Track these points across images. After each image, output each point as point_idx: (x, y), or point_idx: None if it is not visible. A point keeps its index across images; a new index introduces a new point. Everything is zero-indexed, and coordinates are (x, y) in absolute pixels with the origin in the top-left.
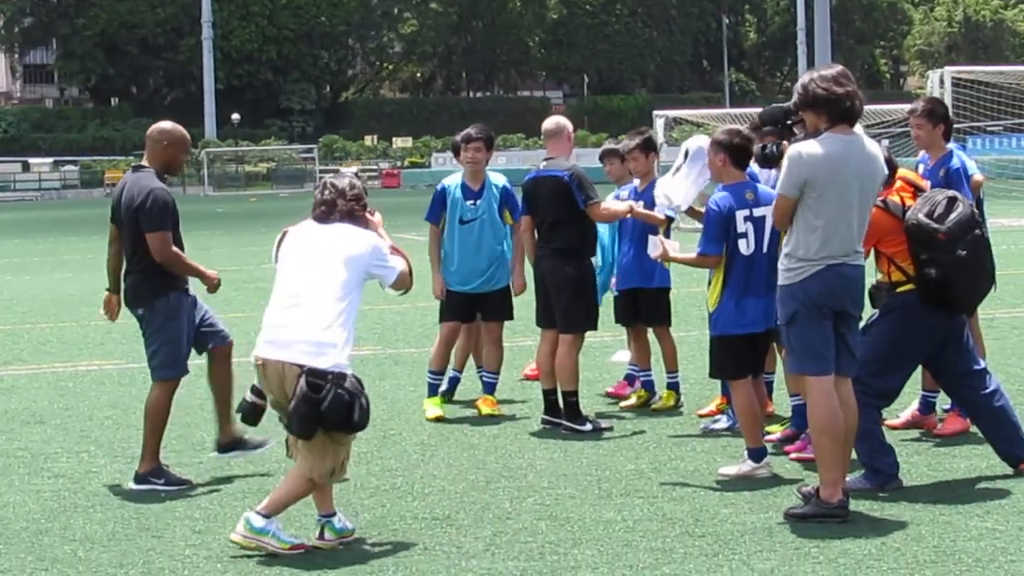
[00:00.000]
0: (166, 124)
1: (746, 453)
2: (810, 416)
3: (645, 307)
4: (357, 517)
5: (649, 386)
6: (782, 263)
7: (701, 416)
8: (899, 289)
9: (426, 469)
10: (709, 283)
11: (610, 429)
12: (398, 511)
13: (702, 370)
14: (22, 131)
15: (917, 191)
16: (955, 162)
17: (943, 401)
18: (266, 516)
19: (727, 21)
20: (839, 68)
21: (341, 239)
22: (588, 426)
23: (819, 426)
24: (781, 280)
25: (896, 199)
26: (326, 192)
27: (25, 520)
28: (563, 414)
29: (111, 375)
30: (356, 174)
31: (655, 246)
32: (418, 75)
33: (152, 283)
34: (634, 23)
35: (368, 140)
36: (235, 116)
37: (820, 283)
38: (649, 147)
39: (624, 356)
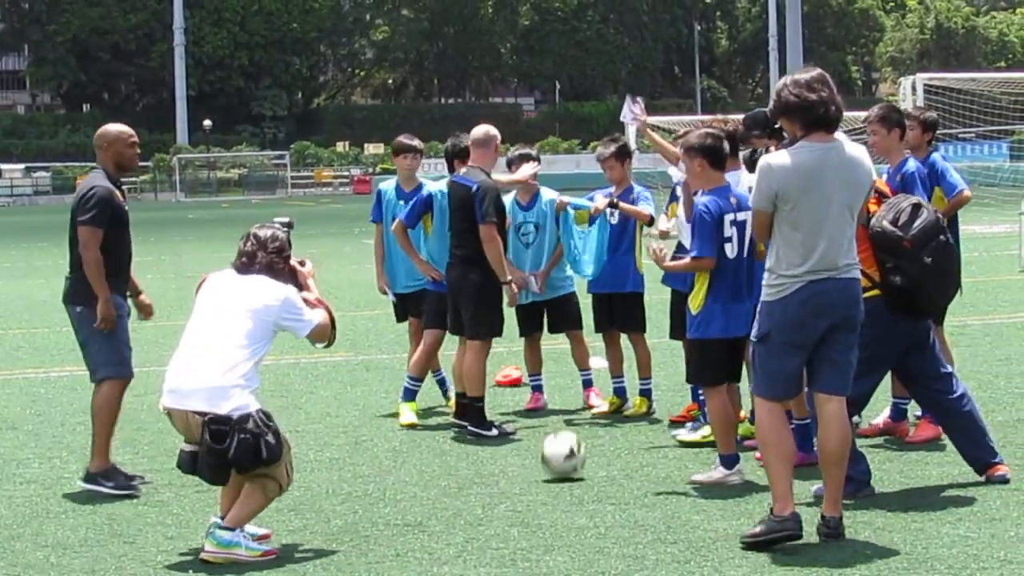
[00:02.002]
0: (105, 126)
1: (718, 460)
2: (756, 430)
3: (620, 313)
4: (329, 523)
5: (621, 392)
6: (764, 278)
7: (673, 421)
8: (865, 295)
9: (398, 475)
10: (688, 287)
11: (514, 433)
12: (370, 517)
13: (675, 376)
14: None
15: (882, 198)
16: (911, 166)
17: (915, 408)
18: (231, 528)
19: (699, 28)
20: (815, 72)
21: (253, 291)
22: (493, 431)
23: (763, 441)
24: (763, 295)
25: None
26: (248, 243)
27: None
28: (468, 419)
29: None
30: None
31: (652, 251)
32: (390, 81)
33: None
34: (606, 29)
35: (340, 146)
36: (207, 122)
37: (801, 301)
38: (624, 154)
39: (600, 363)
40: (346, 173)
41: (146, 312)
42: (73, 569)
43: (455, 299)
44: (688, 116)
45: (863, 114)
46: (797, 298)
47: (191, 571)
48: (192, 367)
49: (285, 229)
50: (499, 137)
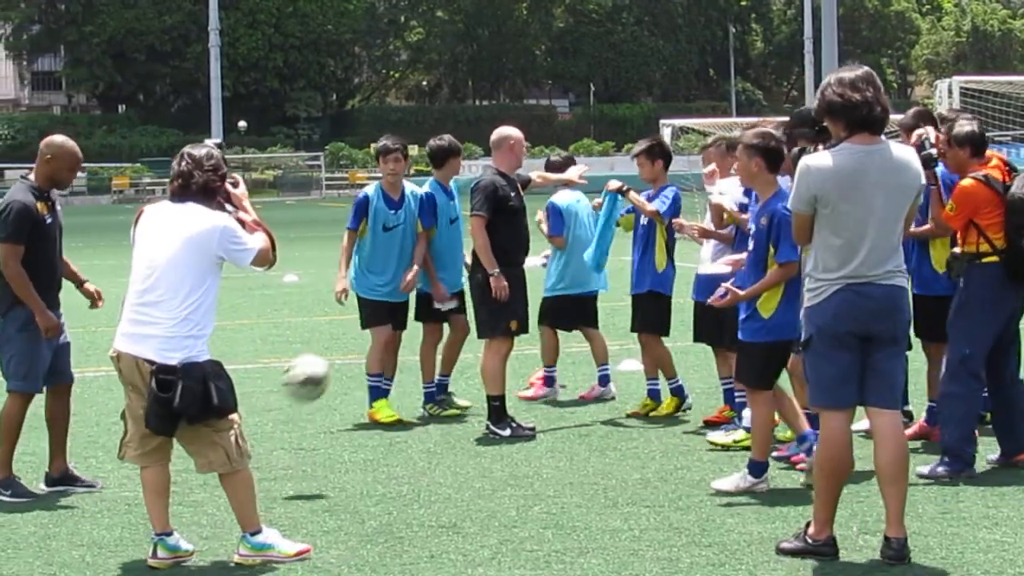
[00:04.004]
0: (56, 138)
1: (746, 467)
2: (816, 451)
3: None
4: (363, 525)
5: (655, 395)
6: (805, 283)
7: (707, 423)
8: (983, 260)
9: (432, 477)
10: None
11: (532, 432)
12: (404, 518)
13: (709, 379)
14: (30, 138)
15: (1012, 171)
16: (939, 168)
17: None
18: (257, 531)
19: (734, 30)
20: (862, 71)
21: (191, 223)
22: (507, 431)
23: (820, 464)
24: (804, 300)
25: (996, 175)
26: (183, 163)
27: (33, 525)
28: (487, 416)
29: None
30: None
31: (723, 293)
32: (424, 83)
33: (9, 293)
34: (640, 32)
35: (374, 148)
36: (241, 123)
37: (838, 304)
38: (654, 154)
39: (632, 365)
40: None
41: (94, 300)
42: (108, 568)
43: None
44: (723, 118)
45: (899, 116)
46: (834, 300)
47: (226, 571)
48: (142, 315)
49: (219, 148)
50: (512, 137)
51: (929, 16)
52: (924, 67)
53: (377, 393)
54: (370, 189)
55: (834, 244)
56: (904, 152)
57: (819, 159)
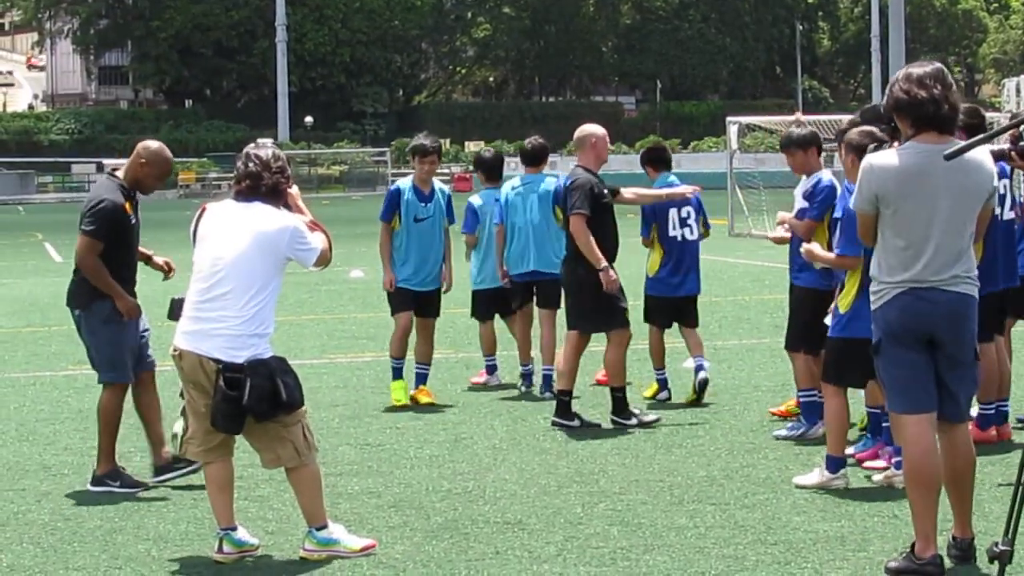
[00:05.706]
0: (153, 143)
1: (824, 462)
2: (903, 462)
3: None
4: (429, 520)
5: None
6: (871, 285)
7: (774, 414)
8: None
9: (497, 473)
10: (837, 286)
11: (657, 421)
12: (469, 515)
13: (775, 376)
14: (96, 132)
15: None
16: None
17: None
18: (323, 527)
19: (801, 28)
20: (932, 67)
21: (259, 224)
22: (633, 420)
23: (907, 474)
24: (871, 303)
25: None
26: (250, 164)
27: (99, 518)
28: (612, 408)
29: None
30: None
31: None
32: (491, 79)
33: (89, 287)
34: (707, 29)
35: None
36: (308, 119)
37: (900, 309)
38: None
39: (689, 363)
40: (446, 170)
41: (165, 271)
42: (174, 562)
43: (565, 294)
44: (789, 116)
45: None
46: (897, 304)
47: (291, 566)
48: (206, 313)
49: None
50: (594, 135)
51: (997, 15)
52: (991, 66)
53: (397, 375)
54: (402, 183)
55: (897, 246)
56: (976, 153)
57: (882, 158)
